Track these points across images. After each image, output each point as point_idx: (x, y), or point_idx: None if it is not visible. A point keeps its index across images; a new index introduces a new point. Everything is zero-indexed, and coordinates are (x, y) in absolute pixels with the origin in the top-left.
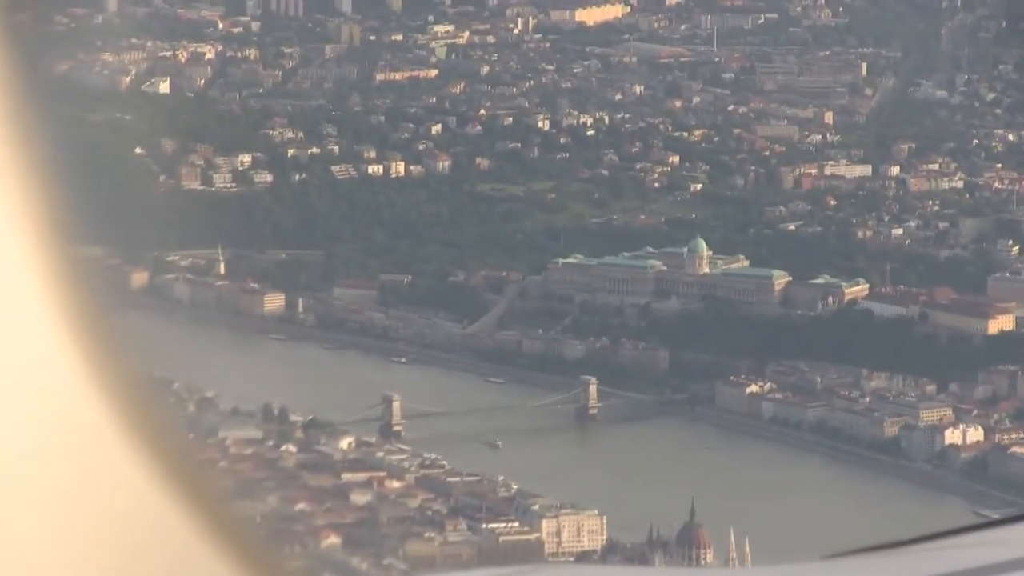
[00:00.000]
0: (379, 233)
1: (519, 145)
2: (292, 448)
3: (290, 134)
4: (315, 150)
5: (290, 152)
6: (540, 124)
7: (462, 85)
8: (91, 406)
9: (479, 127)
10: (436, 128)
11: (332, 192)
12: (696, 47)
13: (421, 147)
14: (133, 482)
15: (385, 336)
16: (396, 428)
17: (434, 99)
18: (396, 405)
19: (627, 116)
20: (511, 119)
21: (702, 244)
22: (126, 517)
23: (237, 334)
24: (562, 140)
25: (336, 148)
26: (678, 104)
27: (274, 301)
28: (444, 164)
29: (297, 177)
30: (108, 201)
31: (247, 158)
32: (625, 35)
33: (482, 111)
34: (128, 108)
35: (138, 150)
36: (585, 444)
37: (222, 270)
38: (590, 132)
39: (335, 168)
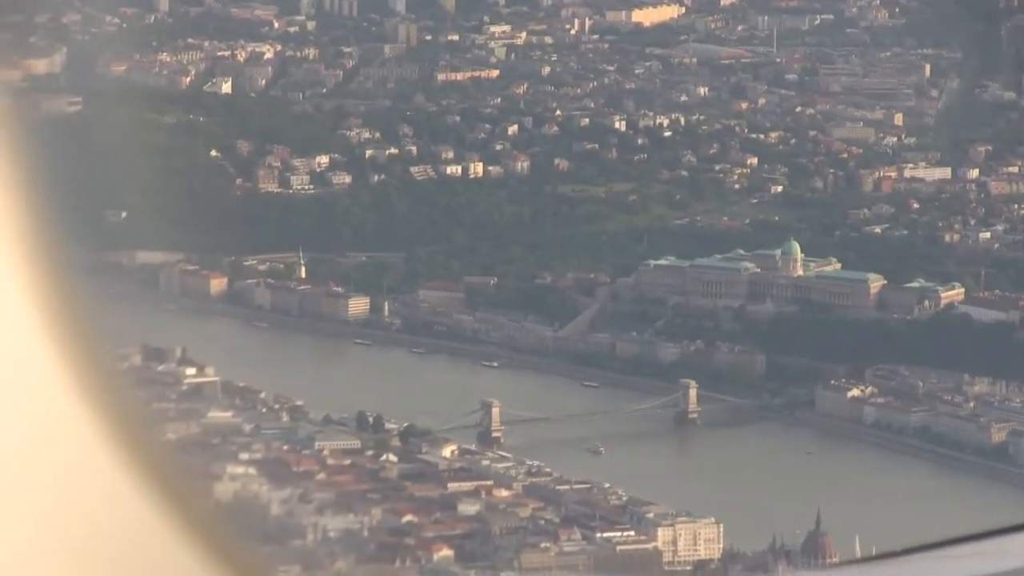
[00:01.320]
0: (460, 234)
1: (597, 146)
2: (393, 458)
3: (366, 134)
4: (393, 151)
5: (368, 153)
6: (617, 125)
7: (525, 86)
8: (75, 413)
9: (556, 128)
10: (512, 129)
11: (412, 193)
12: (755, 48)
13: (498, 148)
14: (115, 485)
15: (475, 340)
16: (495, 435)
17: (499, 99)
18: (495, 411)
19: (702, 117)
20: (587, 120)
21: (796, 246)
22: (109, 517)
23: (321, 339)
24: (639, 141)
25: (414, 149)
26: (744, 106)
27: (358, 305)
28: (523, 165)
29: (376, 178)
30: (184, 205)
31: (324, 159)
32: (682, 36)
33: (558, 111)
34: (200, 110)
35: (213, 153)
36: (687, 449)
37: (303, 274)
38: (667, 133)
39: (414, 169)
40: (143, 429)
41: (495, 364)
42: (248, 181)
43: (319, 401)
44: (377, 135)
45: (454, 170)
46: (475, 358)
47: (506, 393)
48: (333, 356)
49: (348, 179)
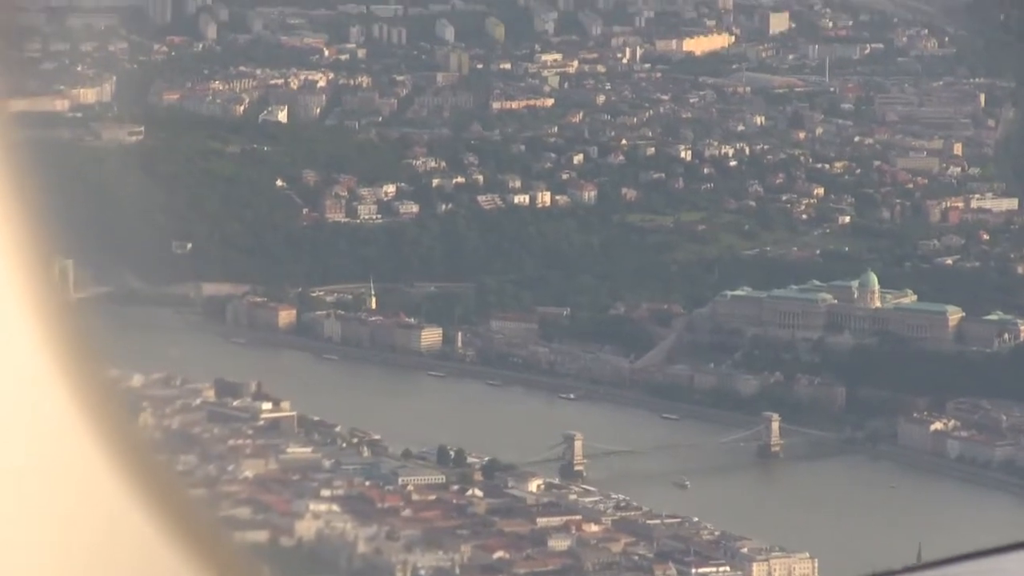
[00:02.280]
0: (530, 264)
1: (663, 175)
2: (479, 492)
3: (432, 163)
4: (460, 180)
5: (435, 182)
6: (682, 154)
7: (581, 115)
8: (75, 430)
9: (621, 157)
10: (578, 158)
11: (480, 222)
12: (807, 77)
13: (565, 177)
14: (120, 510)
15: (551, 371)
16: (578, 468)
17: (556, 128)
18: (578, 444)
19: (766, 147)
20: (653, 149)
21: (873, 278)
22: (113, 540)
23: (393, 371)
24: (705, 171)
25: (480, 178)
26: (802, 135)
27: (431, 336)
28: (590, 194)
29: (443, 207)
30: (250, 236)
31: (391, 188)
32: (734, 65)
33: (623, 141)
34: (264, 139)
35: (279, 182)
36: (773, 483)
37: (373, 305)
38: (732, 163)
39: (481, 198)
40: (148, 454)
41: (572, 396)
42: (315, 211)
43: (397, 435)
44: (443, 164)
45: (521, 199)
46: (552, 390)
47: (585, 425)
48: (407, 388)
49: (415, 208)
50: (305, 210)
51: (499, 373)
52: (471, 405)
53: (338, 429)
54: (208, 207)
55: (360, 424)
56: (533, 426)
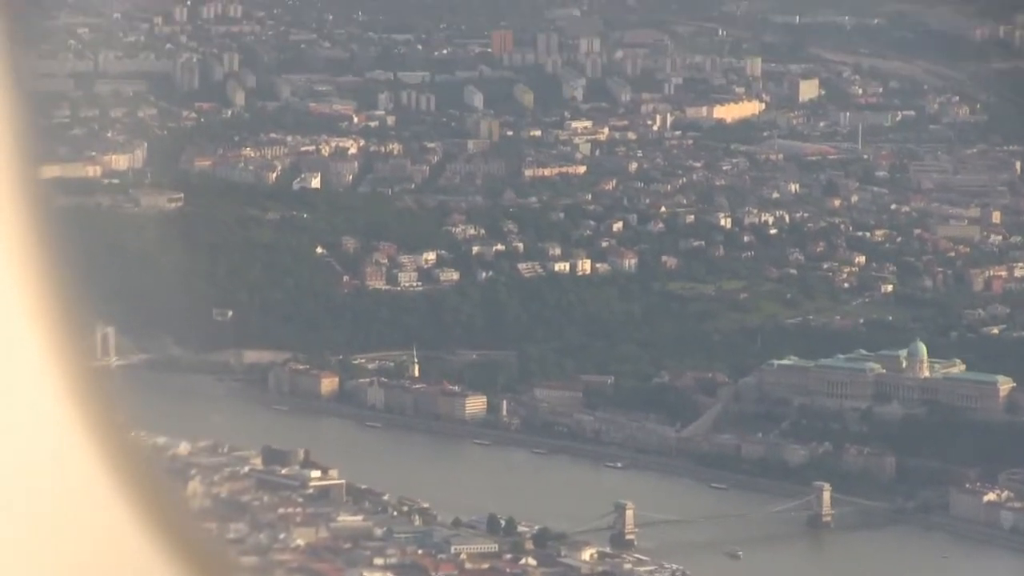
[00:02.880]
0: (572, 332)
1: (703, 243)
2: (532, 561)
3: (471, 231)
4: (500, 247)
5: (474, 249)
6: (722, 222)
7: (614, 182)
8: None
9: (661, 224)
10: (617, 225)
11: (521, 290)
12: (839, 144)
13: (604, 244)
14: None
15: (596, 440)
16: (629, 537)
17: (590, 195)
18: (629, 513)
19: (806, 215)
20: (692, 217)
21: (922, 348)
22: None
23: (438, 439)
24: (745, 239)
25: (520, 245)
26: (837, 203)
27: (475, 404)
28: (630, 262)
29: (484, 275)
30: (291, 303)
31: (431, 256)
32: (764, 132)
33: (663, 209)
34: (303, 206)
35: (319, 249)
36: (825, 553)
37: (416, 372)
38: (772, 231)
39: (521, 265)
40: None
41: (619, 465)
42: (355, 278)
43: (445, 503)
44: (482, 231)
45: (562, 267)
46: (597, 458)
47: (634, 494)
48: (452, 456)
49: (456, 276)
50: (345, 277)
51: (544, 441)
52: (518, 473)
53: (386, 497)
54: (248, 274)
55: (408, 492)
56: (581, 495)
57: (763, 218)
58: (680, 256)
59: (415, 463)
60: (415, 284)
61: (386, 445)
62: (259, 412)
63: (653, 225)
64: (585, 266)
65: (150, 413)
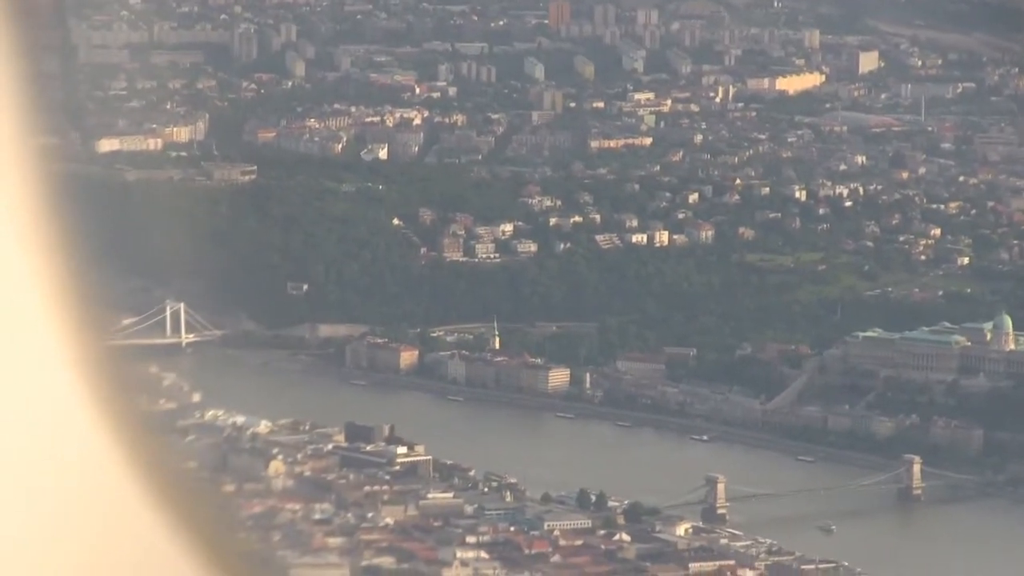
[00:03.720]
0: (651, 304)
1: (779, 215)
2: (626, 537)
3: (547, 202)
4: (577, 219)
5: (552, 221)
6: (797, 194)
7: (680, 154)
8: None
9: (736, 196)
10: (693, 197)
11: (599, 262)
12: (901, 116)
13: (681, 216)
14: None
15: (681, 413)
16: (720, 511)
17: (658, 167)
18: (720, 487)
19: (880, 187)
20: (767, 189)
21: (1008, 320)
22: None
23: (521, 413)
24: (820, 211)
25: (597, 217)
26: (905, 175)
27: (558, 377)
28: (707, 233)
29: (562, 247)
30: (368, 276)
31: (508, 227)
32: (827, 104)
33: (738, 180)
34: (378, 177)
35: (396, 221)
36: (917, 527)
37: (497, 345)
38: (848, 203)
39: (599, 237)
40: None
41: (705, 437)
42: (432, 250)
43: (532, 478)
44: (558, 203)
45: (639, 238)
46: (682, 431)
47: (721, 467)
48: (536, 430)
49: (533, 247)
50: (423, 249)
51: (628, 414)
52: (604, 447)
53: (472, 473)
54: (324, 247)
55: (493, 467)
56: (669, 468)
57: (837, 190)
58: (756, 228)
59: (499, 437)
60: (493, 256)
61: (469, 419)
62: (337, 387)
63: (728, 197)
64: (662, 238)
65: (225, 391)
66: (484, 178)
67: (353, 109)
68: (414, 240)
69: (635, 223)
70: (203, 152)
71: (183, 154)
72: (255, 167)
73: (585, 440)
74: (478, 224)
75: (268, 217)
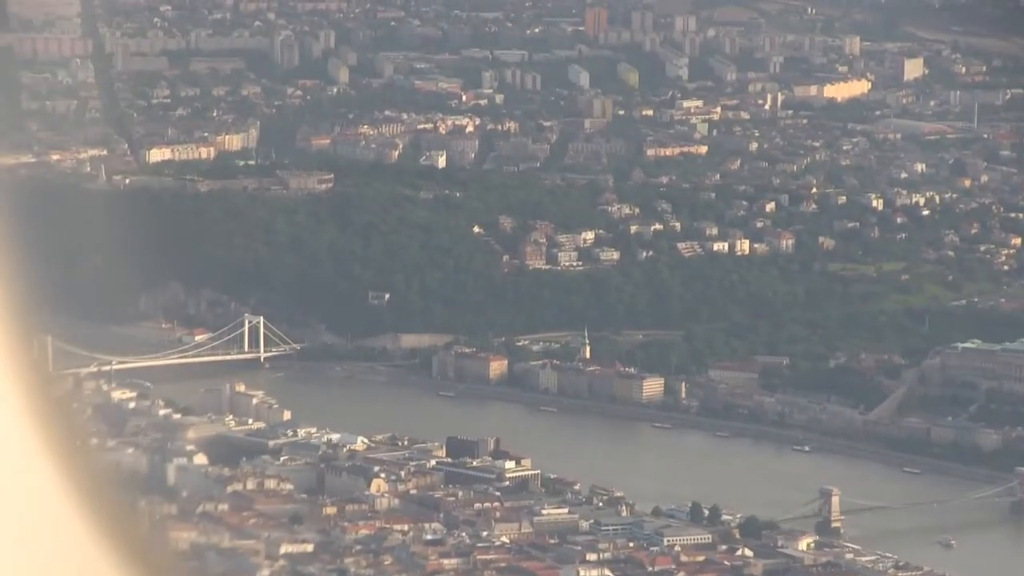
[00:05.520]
0: (737, 312)
1: (857, 224)
2: (748, 552)
3: (626, 210)
4: (657, 226)
5: (632, 228)
6: (874, 204)
7: (738, 162)
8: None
9: (814, 205)
10: (770, 206)
11: (682, 270)
12: (952, 123)
13: (759, 225)
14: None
15: (780, 423)
16: (835, 525)
17: (718, 176)
18: (835, 500)
19: (956, 196)
20: (844, 198)
21: None
22: None
23: (616, 423)
24: (899, 220)
25: (677, 225)
26: (967, 183)
27: (653, 386)
28: (787, 242)
29: (644, 255)
30: (450, 285)
31: (590, 235)
32: (876, 111)
33: (814, 189)
34: (455, 185)
35: (476, 229)
36: None
37: (587, 354)
38: (925, 212)
39: (680, 245)
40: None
41: (806, 448)
42: (515, 258)
43: (637, 490)
44: (637, 211)
45: (720, 247)
46: (781, 441)
47: (827, 479)
48: (634, 441)
49: (615, 255)
50: (505, 257)
51: (725, 424)
52: (705, 458)
53: (578, 487)
54: (405, 256)
55: (596, 480)
56: (775, 479)
57: (913, 199)
58: (836, 237)
59: (598, 449)
60: (575, 264)
61: (565, 430)
62: (426, 399)
63: (805, 206)
64: (743, 246)
65: (312, 407)
66: (559, 185)
67: (404, 116)
68: (496, 248)
69: (715, 231)
70: (263, 160)
71: (251, 162)
72: (332, 175)
73: (685, 451)
74: (559, 232)
75: (348, 226)
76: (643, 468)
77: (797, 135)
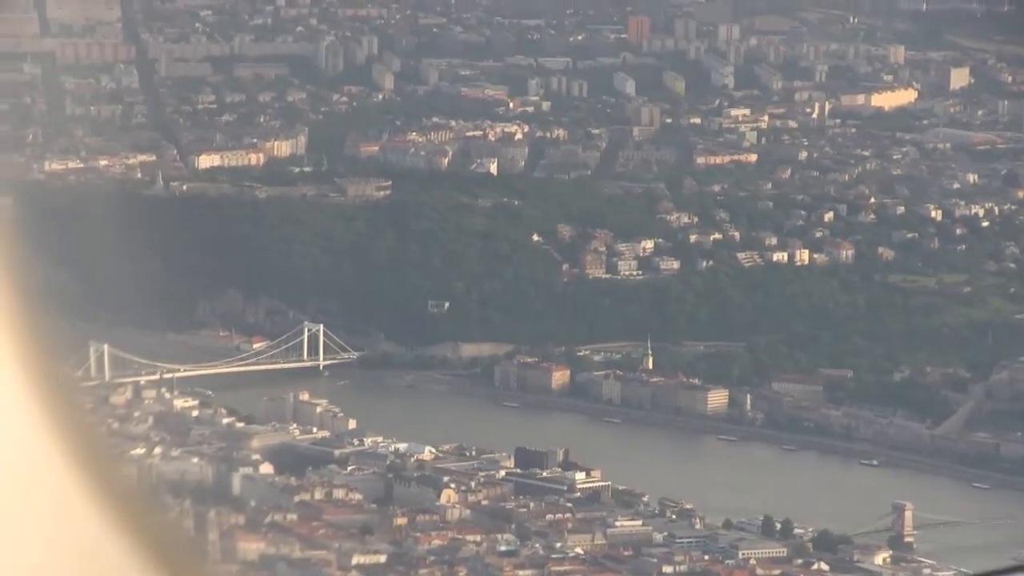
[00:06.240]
0: (798, 324)
1: (916, 235)
2: (824, 566)
3: (684, 219)
4: (717, 236)
5: (692, 238)
6: (932, 214)
7: (789, 171)
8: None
9: (872, 215)
10: (828, 215)
11: (743, 280)
12: (1002, 133)
13: (818, 235)
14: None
15: (847, 436)
16: (907, 540)
17: (769, 184)
18: (908, 514)
19: (1014, 207)
20: (902, 208)
21: None
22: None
23: (681, 435)
24: (958, 231)
25: (736, 234)
26: (1021, 193)
27: (717, 398)
28: (847, 253)
29: (704, 264)
30: (510, 293)
31: (649, 244)
32: (923, 120)
33: (872, 199)
34: (512, 192)
35: (535, 237)
36: None
37: (650, 365)
38: (984, 223)
39: (740, 255)
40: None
41: (874, 462)
42: (575, 266)
43: (706, 503)
44: (695, 219)
45: (780, 256)
46: (848, 455)
47: (896, 493)
48: (700, 453)
49: (675, 264)
50: (564, 266)
51: (791, 437)
52: (771, 471)
53: (646, 498)
54: (465, 264)
55: (665, 492)
56: (845, 493)
57: (972, 210)
58: (895, 248)
59: (663, 460)
60: (635, 273)
61: (630, 441)
62: (489, 409)
63: (864, 216)
64: (803, 256)
65: (375, 415)
66: (617, 193)
67: (453, 123)
68: (555, 256)
69: (774, 241)
70: (316, 167)
71: (307, 169)
72: (390, 182)
73: (751, 463)
74: (618, 241)
75: (406, 233)
76: (710, 480)
77: (846, 144)
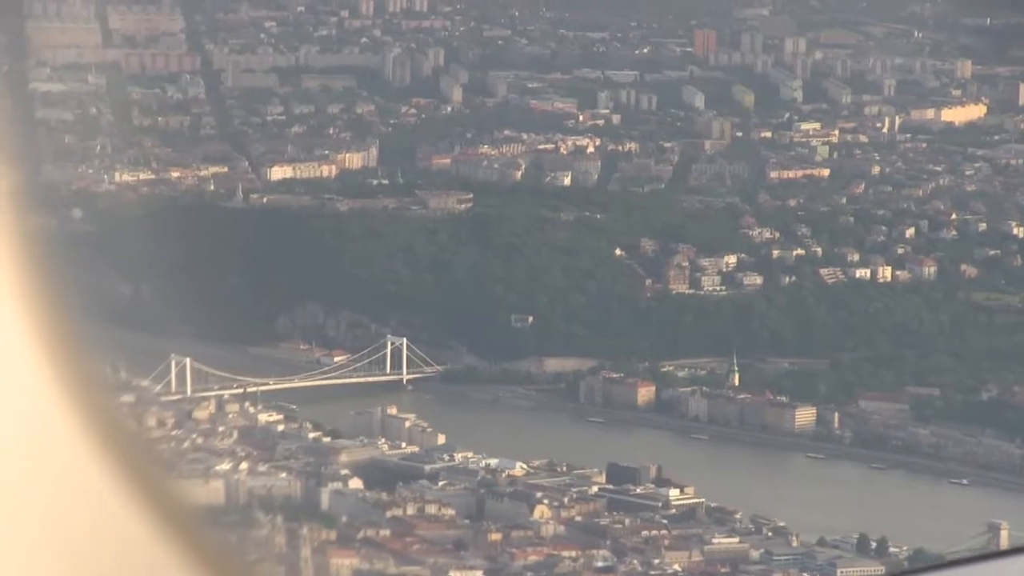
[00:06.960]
0: (882, 341)
1: (999, 252)
2: None
3: (767, 234)
4: (799, 251)
5: (775, 253)
6: (1015, 231)
7: (862, 185)
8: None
9: (954, 232)
10: (909, 232)
11: (826, 297)
12: None
13: (900, 251)
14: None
15: (935, 455)
16: None
17: (844, 199)
18: (1004, 533)
19: None
20: (984, 224)
21: None
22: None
23: (769, 453)
24: None
25: (819, 250)
26: None
27: (805, 415)
28: (930, 270)
29: (787, 280)
30: (594, 308)
31: (732, 259)
32: (994, 135)
33: (954, 215)
34: (594, 206)
35: (618, 251)
36: None
37: (736, 381)
38: None
39: (823, 271)
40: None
41: (965, 482)
42: (658, 281)
43: (798, 521)
44: (777, 235)
45: (862, 273)
46: (937, 474)
47: (989, 513)
48: (788, 471)
49: (759, 280)
50: (648, 281)
51: (880, 456)
52: (861, 489)
53: (739, 515)
54: (548, 278)
55: (756, 509)
56: (934, 512)
57: None
58: (978, 265)
59: (753, 477)
60: (719, 288)
61: (719, 458)
62: (576, 424)
63: (946, 232)
64: (885, 273)
65: (463, 430)
66: (698, 208)
67: (524, 136)
68: (639, 271)
69: (856, 257)
70: (391, 179)
71: (384, 181)
72: (471, 195)
73: (841, 481)
74: (700, 256)
75: (489, 247)
76: (801, 498)
77: (918, 159)
